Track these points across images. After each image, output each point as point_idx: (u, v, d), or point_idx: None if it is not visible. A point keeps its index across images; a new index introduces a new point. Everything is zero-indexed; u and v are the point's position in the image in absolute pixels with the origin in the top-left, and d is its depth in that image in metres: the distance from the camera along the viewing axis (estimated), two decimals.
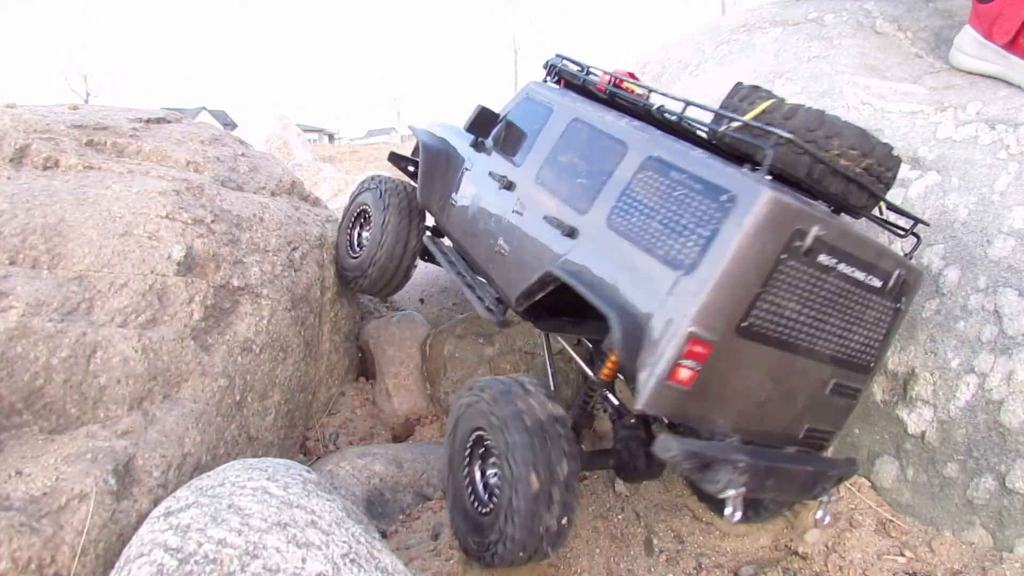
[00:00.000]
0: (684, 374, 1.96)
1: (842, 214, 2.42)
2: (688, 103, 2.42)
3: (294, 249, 3.35)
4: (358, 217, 3.78)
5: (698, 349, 1.95)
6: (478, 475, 2.49)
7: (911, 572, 2.30)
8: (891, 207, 2.46)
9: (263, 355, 2.90)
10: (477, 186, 3.25)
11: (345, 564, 1.70)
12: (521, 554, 2.25)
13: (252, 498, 1.81)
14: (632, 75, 3.05)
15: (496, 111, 3.28)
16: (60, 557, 1.83)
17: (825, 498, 2.28)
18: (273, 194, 3.67)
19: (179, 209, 2.76)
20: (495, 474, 2.40)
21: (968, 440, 2.37)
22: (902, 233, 2.46)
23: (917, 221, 2.41)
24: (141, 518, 2.01)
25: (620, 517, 2.65)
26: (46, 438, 2.09)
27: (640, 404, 2.03)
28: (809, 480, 2.24)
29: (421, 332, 3.95)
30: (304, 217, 3.65)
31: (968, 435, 2.37)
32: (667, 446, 2.00)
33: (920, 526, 2.46)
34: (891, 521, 2.49)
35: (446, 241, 3.62)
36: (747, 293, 1.94)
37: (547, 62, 3.37)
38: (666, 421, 2.42)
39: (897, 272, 2.20)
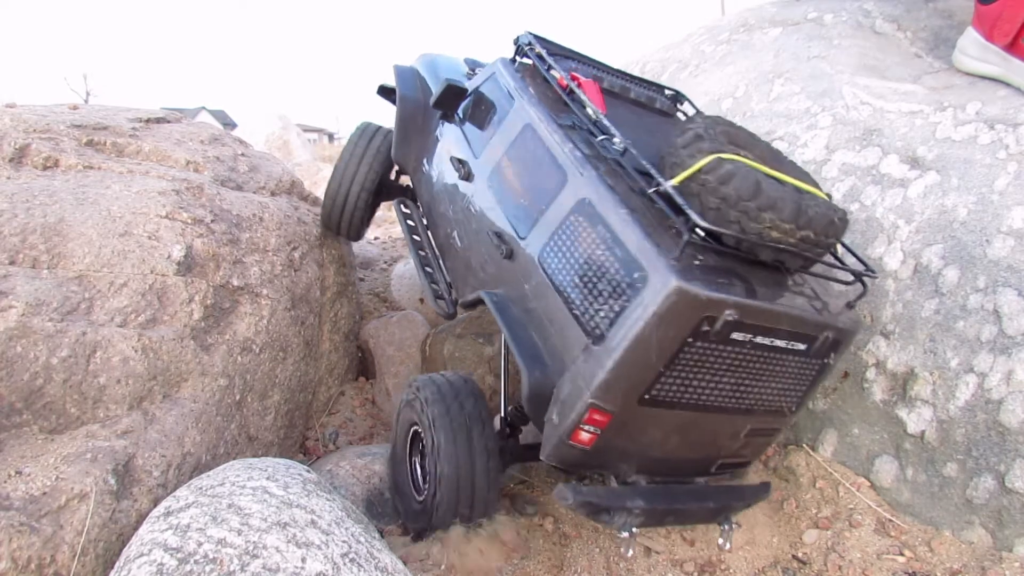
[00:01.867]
0: (584, 436, 2.04)
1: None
2: (627, 148, 2.24)
3: (294, 249, 3.35)
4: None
5: (598, 417, 2.00)
6: (417, 466, 2.66)
7: (910, 572, 2.30)
8: (836, 262, 2.35)
9: (263, 355, 2.90)
10: (442, 163, 3.08)
11: (345, 564, 1.70)
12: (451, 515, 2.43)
13: (252, 498, 1.81)
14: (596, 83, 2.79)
15: (464, 87, 3.07)
16: (60, 557, 1.83)
17: (727, 526, 2.38)
18: (273, 194, 3.67)
19: (179, 209, 2.76)
20: (425, 467, 2.55)
21: (967, 440, 2.37)
22: (849, 281, 2.35)
23: (865, 270, 2.31)
24: (141, 518, 2.01)
25: None
26: (46, 438, 2.09)
27: (543, 455, 2.16)
28: (711, 512, 2.37)
29: (421, 332, 3.95)
30: (304, 217, 3.65)
31: (967, 435, 2.37)
32: (563, 495, 2.12)
33: (919, 525, 2.46)
34: (890, 521, 2.49)
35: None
36: (650, 372, 1.96)
37: (516, 38, 2.98)
38: None
39: (824, 335, 2.17)
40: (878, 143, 3.00)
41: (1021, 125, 2.69)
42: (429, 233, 3.21)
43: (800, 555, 2.48)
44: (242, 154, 3.75)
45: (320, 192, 4.13)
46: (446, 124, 3.17)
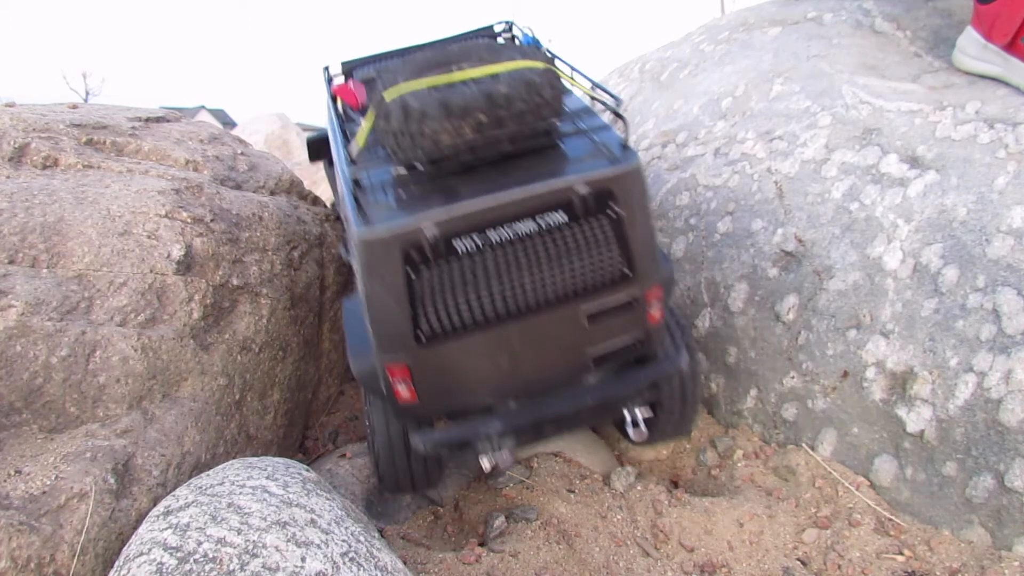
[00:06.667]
0: (404, 392, 2.12)
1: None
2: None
3: (293, 248, 3.35)
4: None
5: (397, 371, 2.08)
6: None
7: (910, 571, 2.30)
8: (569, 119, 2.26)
9: (262, 354, 2.90)
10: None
11: (345, 563, 1.71)
12: (396, 484, 2.56)
13: (251, 497, 1.81)
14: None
15: (324, 135, 3.42)
16: (59, 556, 1.83)
17: (628, 416, 2.35)
18: (272, 193, 3.67)
19: (178, 208, 2.75)
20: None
21: (967, 439, 2.37)
22: (608, 126, 2.22)
23: (615, 104, 2.13)
24: (140, 517, 2.01)
25: (619, 517, 2.65)
26: (45, 437, 2.09)
27: (395, 420, 2.36)
28: (599, 408, 2.30)
29: None
30: (303, 216, 3.65)
31: (967, 434, 2.37)
32: (416, 443, 2.23)
33: (919, 525, 2.46)
34: (890, 520, 2.49)
35: None
36: (400, 314, 1.98)
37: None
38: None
39: (578, 192, 2.01)
40: (877, 142, 3.00)
41: (1021, 124, 2.69)
42: None
43: (800, 554, 2.48)
44: (241, 153, 3.75)
45: (320, 191, 4.15)
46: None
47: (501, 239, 1.98)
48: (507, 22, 3.14)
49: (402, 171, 2.05)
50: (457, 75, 2.04)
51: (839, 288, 2.83)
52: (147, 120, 3.53)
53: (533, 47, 2.34)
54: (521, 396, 2.27)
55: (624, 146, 2.12)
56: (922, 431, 2.49)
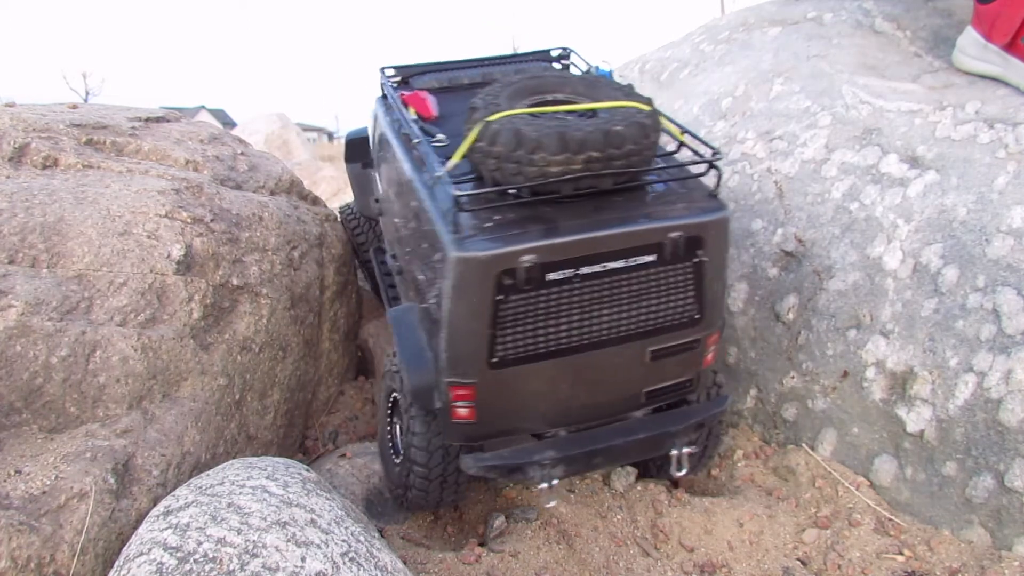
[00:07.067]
0: (463, 412, 2.17)
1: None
2: (445, 142, 2.32)
3: (293, 248, 3.35)
4: None
5: (462, 392, 2.14)
6: (397, 431, 2.64)
7: (910, 571, 2.31)
8: (668, 162, 2.32)
9: (262, 354, 2.90)
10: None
11: (345, 563, 1.71)
12: (424, 501, 2.49)
13: (251, 497, 1.81)
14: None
15: (364, 135, 3.48)
16: (59, 556, 1.83)
17: (675, 451, 2.43)
18: (272, 193, 3.67)
19: (178, 208, 2.75)
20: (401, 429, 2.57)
21: (967, 439, 2.37)
22: (704, 173, 2.23)
23: (713, 154, 2.18)
24: (140, 517, 2.01)
25: (619, 517, 2.65)
26: (45, 437, 2.10)
27: (446, 440, 2.34)
28: (649, 443, 2.38)
29: None
30: (303, 216, 3.65)
31: (967, 434, 2.37)
32: (467, 465, 2.25)
33: (919, 524, 2.46)
34: (890, 520, 2.49)
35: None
36: (481, 338, 2.04)
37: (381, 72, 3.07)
38: None
39: (672, 237, 2.09)
40: (877, 142, 3.00)
41: (1020, 124, 2.69)
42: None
43: (800, 554, 2.48)
44: (241, 153, 3.75)
45: (320, 191, 4.14)
46: (371, 171, 3.43)
47: (589, 273, 2.05)
48: (565, 49, 3.17)
49: (487, 193, 2.08)
50: (561, 106, 2.15)
51: (839, 288, 2.83)
52: (147, 120, 3.53)
53: (628, 86, 2.39)
54: (574, 425, 2.37)
55: (713, 195, 2.21)
56: (922, 431, 2.49)
